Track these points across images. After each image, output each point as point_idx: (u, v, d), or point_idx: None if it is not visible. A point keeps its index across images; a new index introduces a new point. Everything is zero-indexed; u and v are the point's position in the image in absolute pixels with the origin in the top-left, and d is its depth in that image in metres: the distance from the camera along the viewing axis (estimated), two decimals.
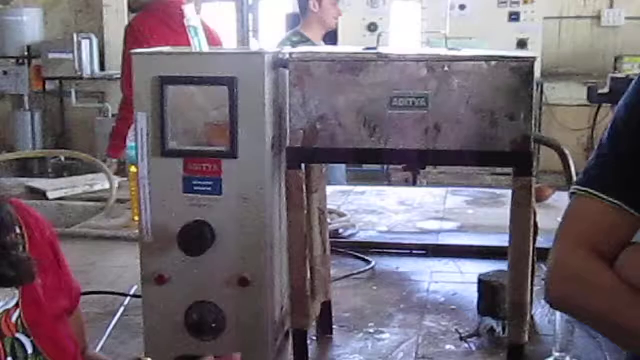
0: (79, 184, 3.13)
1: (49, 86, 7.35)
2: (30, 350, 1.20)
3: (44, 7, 7.40)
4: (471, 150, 1.51)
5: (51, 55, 6.96)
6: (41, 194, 3.01)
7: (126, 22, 7.37)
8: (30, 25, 7.19)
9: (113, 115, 7.01)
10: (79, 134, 7.19)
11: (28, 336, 1.21)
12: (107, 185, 2.98)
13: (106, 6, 7.28)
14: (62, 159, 3.61)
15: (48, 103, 7.44)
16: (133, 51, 1.56)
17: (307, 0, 4.43)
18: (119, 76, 6.96)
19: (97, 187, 3.10)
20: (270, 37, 7.04)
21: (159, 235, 1.56)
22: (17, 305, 1.22)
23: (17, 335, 1.20)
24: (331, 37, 6.08)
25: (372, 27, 6.49)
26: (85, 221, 2.74)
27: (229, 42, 6.98)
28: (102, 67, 7.24)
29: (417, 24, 6.29)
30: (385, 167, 5.66)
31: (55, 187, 3.07)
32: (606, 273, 1.22)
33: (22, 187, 3.14)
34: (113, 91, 6.85)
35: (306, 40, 4.27)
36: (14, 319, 1.20)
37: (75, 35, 6.96)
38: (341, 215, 2.57)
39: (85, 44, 6.96)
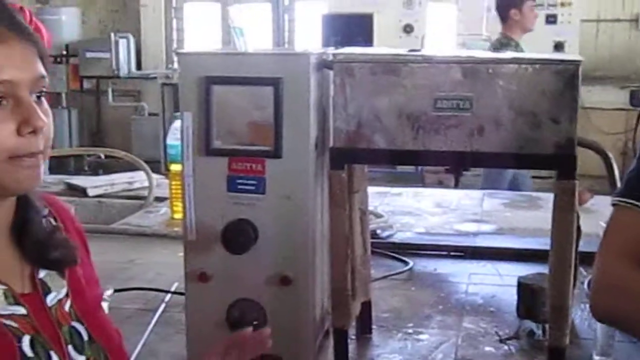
0: (118, 182, 3.17)
1: (86, 85, 7.43)
2: (85, 338, 1.21)
3: (81, 7, 7.48)
4: (514, 152, 1.51)
5: (88, 54, 7.04)
6: (81, 191, 3.05)
7: (163, 22, 7.50)
8: (68, 24, 7.27)
9: (149, 114, 7.10)
10: (114, 132, 7.26)
11: (82, 324, 1.24)
12: (145, 183, 3.01)
13: (143, 6, 7.35)
14: (102, 156, 3.64)
15: (85, 101, 7.52)
16: (179, 51, 1.59)
17: (509, 10, 4.73)
18: (155, 75, 7.09)
19: (135, 185, 3.13)
20: (307, 37, 7.06)
21: (203, 233, 1.57)
22: (67, 295, 1.24)
23: (73, 323, 1.21)
24: (365, 39, 6.11)
25: (407, 29, 6.48)
26: (124, 218, 2.77)
27: (265, 43, 7.02)
28: (139, 66, 7.30)
29: (453, 25, 6.27)
30: (420, 168, 5.66)
31: (95, 185, 3.11)
32: None
33: (62, 183, 3.18)
34: (149, 90, 6.93)
35: (514, 43, 4.56)
36: (66, 308, 1.22)
37: (112, 35, 7.02)
38: (378, 216, 2.57)
39: (122, 43, 7.03)
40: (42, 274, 1.19)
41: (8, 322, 1.08)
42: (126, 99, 7.17)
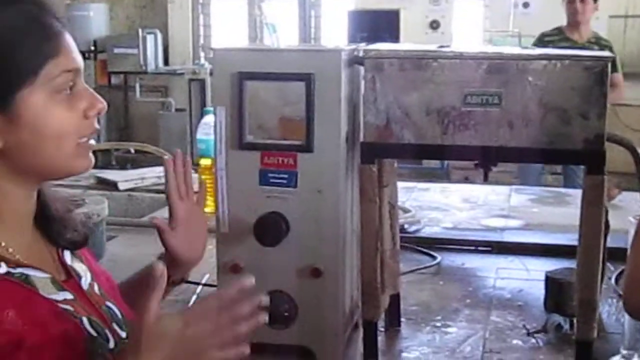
0: (148, 176, 3.17)
1: (114, 80, 7.48)
2: (119, 316, 1.25)
3: (109, 3, 7.54)
4: (543, 147, 1.50)
5: (116, 50, 7.09)
6: (112, 185, 3.06)
7: (190, 18, 7.53)
8: (96, 20, 7.32)
9: (176, 110, 7.13)
10: (141, 127, 7.31)
11: (113, 303, 1.27)
12: None
13: (170, 2, 7.39)
14: (132, 150, 3.67)
15: (112, 97, 7.56)
16: (213, 47, 1.61)
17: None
18: (182, 71, 7.14)
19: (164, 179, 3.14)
20: (333, 34, 7.07)
21: (235, 225, 1.59)
22: (92, 279, 1.27)
23: (107, 303, 1.25)
24: (392, 35, 6.12)
25: (434, 25, 6.49)
26: (154, 212, 2.77)
27: (292, 39, 7.04)
28: (166, 62, 7.35)
29: (480, 22, 6.27)
30: (446, 165, 5.66)
31: (125, 179, 3.12)
32: None
33: (92, 177, 3.18)
34: (176, 86, 6.97)
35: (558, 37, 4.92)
36: (96, 290, 1.25)
37: (140, 31, 7.07)
38: (406, 211, 2.58)
39: (149, 39, 7.07)
40: (67, 259, 1.23)
41: (65, 306, 1.11)
42: (153, 94, 7.22)
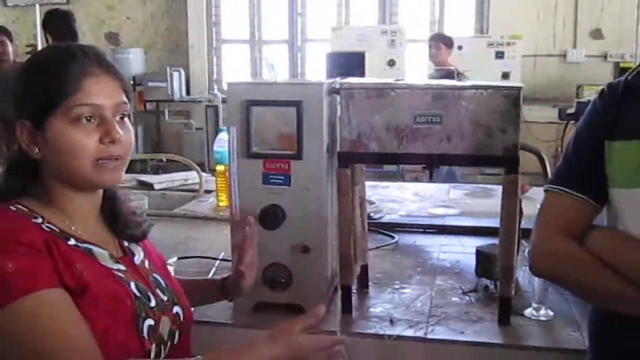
0: (177, 179, 3.18)
1: (149, 107, 7.44)
2: (164, 284, 1.26)
3: (144, 48, 7.50)
4: (473, 154, 1.52)
5: (150, 84, 7.06)
6: (149, 186, 3.07)
7: (206, 59, 7.53)
8: (135, 61, 7.29)
9: (196, 129, 7.11)
10: (170, 142, 7.27)
11: (159, 275, 1.28)
12: (197, 180, 3.01)
13: (191, 47, 7.37)
14: (164, 160, 3.66)
15: (147, 119, 7.52)
16: (228, 82, 1.60)
17: None
18: (200, 99, 7.13)
19: (189, 181, 3.13)
20: (315, 70, 7.09)
21: (245, 214, 1.57)
22: (144, 256, 1.29)
23: (154, 274, 1.26)
24: (360, 71, 6.12)
25: (391, 63, 6.49)
26: (182, 206, 2.78)
27: (284, 75, 7.06)
28: (188, 92, 7.32)
29: (425, 60, 6.29)
30: (401, 168, 5.66)
31: (159, 181, 3.12)
32: (576, 248, 1.24)
33: (134, 180, 3.18)
34: (196, 110, 6.94)
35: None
36: (146, 265, 1.27)
37: (168, 69, 7.04)
38: (371, 203, 2.57)
39: (175, 75, 7.05)
40: (126, 242, 1.25)
41: (118, 273, 1.13)
42: (178, 117, 7.19)
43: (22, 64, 1.19)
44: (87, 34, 7.42)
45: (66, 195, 1.14)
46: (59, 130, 1.09)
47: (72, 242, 1.10)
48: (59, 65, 1.11)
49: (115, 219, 1.24)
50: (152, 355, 1.13)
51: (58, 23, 3.89)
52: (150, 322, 1.14)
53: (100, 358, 1.01)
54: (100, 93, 1.10)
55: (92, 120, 1.10)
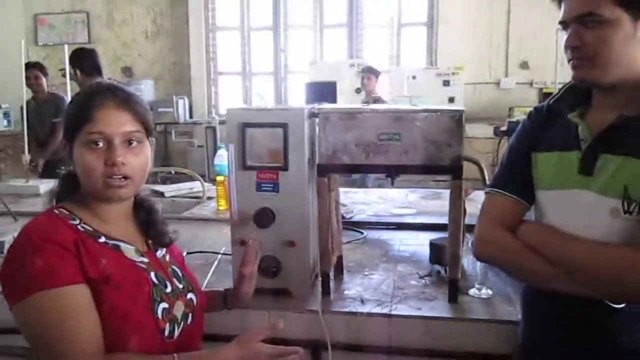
0: (184, 188, 3.17)
1: (158, 128, 7.36)
2: (180, 274, 1.27)
3: (154, 79, 7.44)
4: (426, 164, 1.52)
5: (159, 109, 7.00)
6: (160, 194, 3.06)
7: (206, 88, 7.50)
8: (146, 90, 7.22)
9: (198, 146, 7.04)
10: (176, 158, 7.20)
11: (177, 267, 1.29)
12: (200, 189, 3.01)
13: (193, 79, 7.34)
14: (173, 172, 3.64)
15: (157, 139, 7.43)
16: (227, 107, 1.60)
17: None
18: (201, 122, 7.08)
19: (194, 189, 3.12)
20: (296, 98, 7.08)
21: (242, 216, 1.59)
22: (165, 252, 1.29)
23: (172, 266, 1.27)
24: (332, 97, 6.14)
25: (358, 90, 6.50)
26: (188, 210, 2.77)
27: (270, 102, 7.06)
28: (191, 116, 7.28)
29: (386, 88, 6.32)
30: (366, 176, 5.66)
31: (169, 190, 3.12)
32: (511, 238, 1.25)
33: (148, 190, 3.14)
34: (198, 131, 6.90)
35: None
36: (167, 259, 1.28)
37: (174, 96, 7.00)
38: (344, 205, 2.58)
39: (180, 102, 7.00)
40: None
41: (141, 265, 1.14)
42: (183, 137, 7.12)
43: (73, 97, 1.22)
44: (106, 68, 7.30)
45: (95, 201, 1.15)
46: (78, 152, 1.12)
47: (102, 239, 1.12)
48: (85, 99, 1.14)
49: (149, 227, 1.24)
50: (166, 333, 1.14)
51: (86, 60, 3.86)
52: (164, 305, 1.14)
53: (97, 349, 1.02)
54: (109, 123, 1.10)
55: (100, 144, 1.10)
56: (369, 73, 5.70)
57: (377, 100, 5.37)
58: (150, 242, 1.25)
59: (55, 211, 1.12)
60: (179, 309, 1.19)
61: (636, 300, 1.12)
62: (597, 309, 1.16)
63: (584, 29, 1.14)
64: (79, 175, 1.13)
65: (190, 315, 1.22)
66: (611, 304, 1.14)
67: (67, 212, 1.12)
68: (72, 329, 1.01)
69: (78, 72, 3.79)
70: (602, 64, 1.14)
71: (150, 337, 1.11)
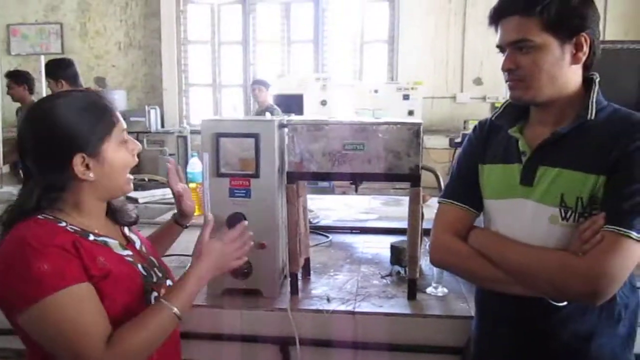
0: (157, 194, 3.15)
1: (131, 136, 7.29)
2: (156, 264, 1.28)
3: (126, 89, 7.33)
4: (387, 173, 1.56)
5: (132, 119, 6.86)
6: (134, 200, 3.02)
7: (177, 99, 7.43)
8: (119, 100, 7.07)
9: (169, 154, 6.97)
10: (148, 166, 7.08)
11: (154, 257, 1.30)
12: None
13: (164, 89, 7.26)
14: (146, 179, 3.60)
15: None
16: (202, 118, 1.61)
17: None
18: (172, 131, 7.01)
19: (167, 196, 3.08)
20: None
21: (216, 220, 1.52)
22: (141, 243, 1.30)
23: (150, 257, 1.28)
24: (299, 109, 6.17)
25: (323, 103, 6.52)
26: (161, 215, 2.75)
27: (240, 113, 7.03)
28: (162, 125, 7.19)
29: (350, 101, 6.37)
30: (332, 184, 5.70)
31: (143, 196, 3.09)
32: (462, 245, 1.28)
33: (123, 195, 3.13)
34: (169, 140, 6.83)
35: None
36: (143, 249, 1.28)
37: (146, 106, 6.90)
38: (311, 211, 2.59)
39: (152, 111, 6.89)
40: (126, 232, 1.26)
41: (128, 258, 1.15)
42: (155, 145, 7.02)
43: (57, 109, 1.11)
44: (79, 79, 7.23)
45: (93, 202, 1.15)
46: (113, 151, 1.13)
47: (91, 237, 1.12)
48: (103, 105, 1.15)
49: (115, 211, 1.26)
50: None
51: (70, 70, 3.72)
52: (155, 294, 1.17)
53: (104, 339, 1.03)
54: (123, 120, 1.17)
55: (125, 141, 1.17)
56: (260, 85, 5.82)
57: (269, 108, 5.53)
58: (126, 233, 1.26)
59: (40, 217, 1.09)
60: None
61: (571, 299, 1.17)
62: (540, 308, 1.20)
63: (518, 53, 1.20)
64: (104, 178, 1.12)
65: None
66: (553, 303, 1.19)
67: (51, 217, 1.11)
68: (89, 322, 1.02)
69: (63, 82, 3.66)
70: (535, 85, 1.20)
71: None
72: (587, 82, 1.24)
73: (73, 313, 1.01)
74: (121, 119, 1.17)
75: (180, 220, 1.55)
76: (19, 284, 1.00)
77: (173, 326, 1.12)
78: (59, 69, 3.66)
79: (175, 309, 1.11)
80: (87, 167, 1.11)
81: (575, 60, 1.20)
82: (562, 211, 1.17)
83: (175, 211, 1.56)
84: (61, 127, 1.09)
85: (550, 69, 1.19)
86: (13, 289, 1.01)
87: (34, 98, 4.52)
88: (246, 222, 1.35)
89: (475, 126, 1.40)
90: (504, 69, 1.23)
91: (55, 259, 1.02)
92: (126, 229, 1.28)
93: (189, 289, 1.16)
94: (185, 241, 2.22)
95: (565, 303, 1.19)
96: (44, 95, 3.50)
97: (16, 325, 1.06)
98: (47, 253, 1.02)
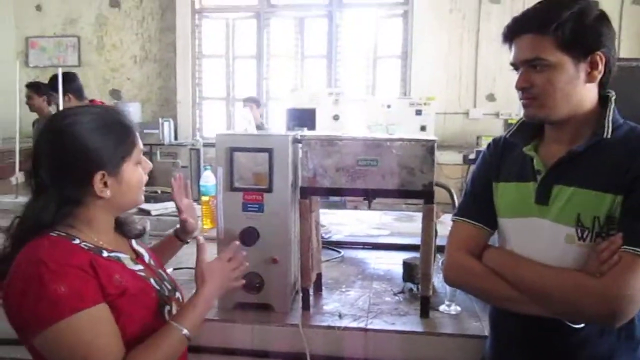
0: (170, 207, 3.12)
1: (145, 149, 7.33)
2: (165, 277, 1.29)
3: (141, 102, 7.41)
4: (400, 189, 1.56)
5: (146, 131, 6.92)
6: (147, 212, 3.03)
7: (190, 111, 7.50)
8: (134, 113, 7.13)
9: (182, 167, 7.00)
10: (161, 177, 7.10)
11: (163, 271, 1.31)
12: None
13: (178, 102, 7.32)
14: (159, 191, 3.61)
15: None
16: (217, 133, 1.62)
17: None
18: (186, 144, 7.06)
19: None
20: (277, 123, 7.13)
21: (228, 234, 1.60)
22: (150, 257, 1.31)
23: (159, 270, 1.29)
24: (312, 124, 6.18)
25: (335, 117, 6.53)
26: (174, 228, 2.75)
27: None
28: (176, 137, 7.25)
29: (363, 116, 6.38)
30: (344, 199, 5.68)
31: (155, 209, 3.09)
32: (477, 264, 1.27)
33: (135, 208, 3.14)
34: (182, 152, 6.87)
35: None
36: (152, 263, 1.29)
37: (160, 119, 6.96)
38: (323, 226, 2.59)
39: (166, 124, 6.96)
40: (135, 246, 1.27)
41: (140, 273, 1.16)
42: (168, 157, 7.05)
43: (81, 125, 1.12)
44: (95, 91, 7.32)
45: (105, 218, 1.16)
46: (131, 171, 1.14)
47: (105, 254, 1.12)
48: (127, 125, 1.17)
49: (122, 224, 1.27)
50: None
51: (76, 83, 3.80)
52: (168, 307, 1.18)
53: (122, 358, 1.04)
54: (140, 142, 1.20)
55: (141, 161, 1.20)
56: (251, 102, 5.83)
57: (260, 127, 5.57)
58: (134, 247, 1.27)
59: (53, 234, 1.08)
60: (174, 309, 1.22)
61: (588, 320, 1.16)
62: (557, 329, 1.18)
63: (532, 71, 1.20)
64: (120, 195, 1.13)
65: None
66: (570, 324, 1.18)
67: (64, 234, 1.10)
68: (105, 344, 1.02)
69: (71, 95, 3.73)
70: (549, 103, 1.20)
71: None
72: (603, 99, 1.24)
73: (89, 336, 1.01)
74: (140, 140, 1.18)
75: (181, 235, 1.57)
76: (36, 306, 0.99)
77: (183, 347, 1.14)
78: (66, 82, 3.69)
79: (186, 331, 1.12)
80: (105, 184, 1.12)
81: (590, 78, 1.19)
82: (579, 231, 1.16)
83: (176, 228, 1.58)
84: (86, 143, 1.10)
85: (565, 88, 1.18)
86: (29, 310, 1.00)
87: (52, 110, 4.58)
88: (238, 243, 1.38)
89: (490, 143, 1.40)
90: (518, 87, 1.23)
91: (72, 281, 1.01)
92: (133, 242, 1.28)
93: (198, 311, 1.18)
94: (194, 254, 2.26)
95: (582, 325, 1.17)
96: (61, 108, 3.54)
97: (30, 345, 1.06)
98: (64, 274, 1.01)
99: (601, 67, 1.19)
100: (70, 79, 3.83)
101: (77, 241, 1.10)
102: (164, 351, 1.08)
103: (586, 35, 1.17)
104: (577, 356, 1.19)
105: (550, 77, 1.18)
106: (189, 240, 1.56)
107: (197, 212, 2.78)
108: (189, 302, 1.19)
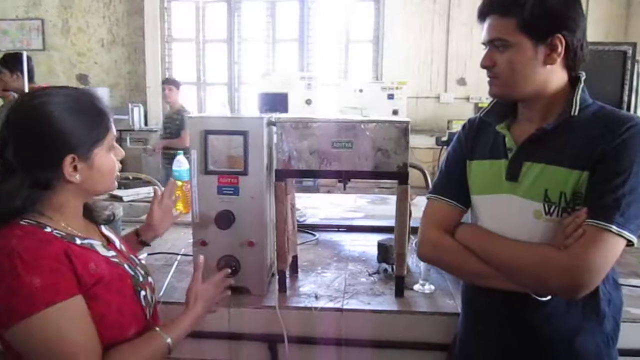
0: (141, 193, 3.12)
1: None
2: (137, 262, 1.27)
3: (110, 87, 7.25)
4: (375, 171, 1.57)
5: (115, 116, 6.79)
6: (119, 199, 2.99)
7: (160, 96, 7.38)
8: (102, 97, 7.04)
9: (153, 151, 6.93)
10: (131, 164, 7.03)
11: (134, 256, 1.30)
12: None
13: (148, 87, 7.20)
14: (130, 177, 3.56)
15: None
16: (190, 115, 1.60)
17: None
18: (156, 129, 6.96)
19: (151, 194, 3.04)
20: (249, 107, 7.07)
21: (203, 218, 1.60)
22: (120, 243, 1.28)
23: (130, 255, 1.27)
24: (284, 108, 6.16)
25: (308, 101, 6.53)
26: (146, 214, 2.73)
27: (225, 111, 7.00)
28: (146, 123, 7.14)
29: (335, 99, 6.38)
30: (316, 182, 5.70)
31: (127, 194, 3.05)
32: (449, 240, 1.29)
33: (106, 194, 3.10)
34: (152, 138, 6.78)
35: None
36: (123, 248, 1.27)
37: (129, 104, 6.85)
38: (298, 209, 2.61)
39: (135, 109, 6.85)
40: (105, 232, 1.24)
41: (114, 259, 1.14)
42: (138, 143, 6.97)
43: (53, 106, 1.07)
44: (61, 75, 7.15)
45: (74, 204, 1.13)
46: (103, 157, 1.11)
47: (78, 241, 1.09)
48: (101, 109, 1.13)
49: (91, 210, 1.23)
50: (147, 316, 1.18)
51: (28, 65, 3.62)
52: (143, 292, 1.17)
53: (97, 353, 1.03)
54: (114, 128, 1.16)
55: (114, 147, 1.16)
56: (170, 84, 5.66)
57: (180, 110, 5.45)
58: (104, 233, 1.25)
59: (23, 222, 1.04)
60: (149, 294, 1.21)
61: (556, 293, 1.19)
62: (525, 303, 1.21)
63: (496, 51, 1.23)
64: (91, 180, 1.10)
65: (153, 297, 1.25)
66: (537, 297, 1.21)
67: (34, 222, 1.05)
68: (80, 337, 1.00)
69: (19, 74, 3.54)
70: (509, 82, 1.23)
71: (142, 324, 1.14)
72: (575, 80, 1.26)
73: (62, 331, 0.98)
74: (113, 125, 1.15)
75: (144, 234, 1.49)
76: (9, 299, 0.96)
77: (164, 355, 1.14)
78: (18, 61, 3.55)
79: (170, 340, 1.13)
80: (75, 168, 1.08)
81: (549, 60, 1.21)
82: (546, 206, 1.19)
83: (140, 227, 1.51)
84: (57, 124, 1.05)
85: (523, 69, 1.21)
86: (2, 302, 0.97)
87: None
88: (229, 270, 1.41)
89: (465, 124, 1.42)
90: (481, 66, 1.26)
91: (47, 273, 0.98)
92: (103, 228, 1.26)
93: (185, 326, 1.20)
94: (171, 239, 2.24)
95: (548, 297, 1.20)
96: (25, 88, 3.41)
97: (1, 337, 1.03)
98: (39, 266, 0.98)
99: (561, 50, 1.21)
100: (19, 59, 3.65)
101: (48, 229, 1.06)
102: (145, 355, 1.09)
103: (546, 17, 1.19)
104: (544, 330, 1.22)
105: (510, 57, 1.21)
106: (149, 243, 1.52)
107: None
108: (179, 316, 1.21)
